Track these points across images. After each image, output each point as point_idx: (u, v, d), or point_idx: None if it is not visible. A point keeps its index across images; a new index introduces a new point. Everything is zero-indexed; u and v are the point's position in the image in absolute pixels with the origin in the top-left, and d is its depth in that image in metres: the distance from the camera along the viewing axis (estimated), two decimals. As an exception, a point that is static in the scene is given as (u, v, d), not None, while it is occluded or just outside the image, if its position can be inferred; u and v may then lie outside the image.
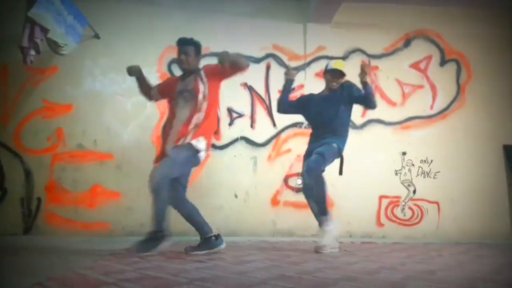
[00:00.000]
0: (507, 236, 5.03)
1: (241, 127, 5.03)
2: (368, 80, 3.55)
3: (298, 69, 3.83)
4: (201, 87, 3.25)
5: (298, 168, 4.98)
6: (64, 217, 4.68)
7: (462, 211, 5.00)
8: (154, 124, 4.92)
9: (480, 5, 5.27)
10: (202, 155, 3.23)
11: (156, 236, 3.11)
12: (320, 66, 5.13)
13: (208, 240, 3.29)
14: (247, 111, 5.06)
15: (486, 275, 2.42)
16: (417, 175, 5.09)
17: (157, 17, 5.10)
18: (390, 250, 3.47)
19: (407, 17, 5.31)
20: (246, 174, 4.95)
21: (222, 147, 4.98)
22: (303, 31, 5.21)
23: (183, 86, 3.35)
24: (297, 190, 4.94)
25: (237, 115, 5.05)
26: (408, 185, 5.05)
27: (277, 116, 4.96)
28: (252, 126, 5.05)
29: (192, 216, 3.40)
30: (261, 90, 5.10)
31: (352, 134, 4.99)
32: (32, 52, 4.01)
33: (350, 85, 3.69)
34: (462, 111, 5.22)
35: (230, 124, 5.04)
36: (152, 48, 5.03)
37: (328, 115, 3.64)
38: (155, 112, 4.94)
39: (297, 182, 4.94)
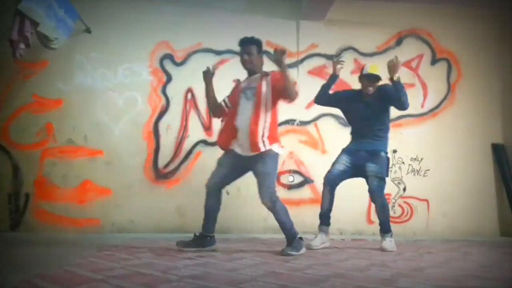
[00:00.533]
0: (495, 233, 5.09)
1: (233, 124, 5.01)
2: (396, 77, 3.51)
3: (342, 63, 3.77)
4: (264, 87, 3.24)
5: (290, 165, 5.00)
6: (53, 213, 4.64)
7: (451, 208, 5.04)
8: (145, 120, 4.89)
9: (470, 4, 5.30)
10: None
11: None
12: (312, 63, 5.15)
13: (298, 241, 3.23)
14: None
15: (474, 271, 2.44)
16: (407, 172, 5.12)
17: (149, 12, 5.05)
18: (379, 247, 3.49)
19: (399, 15, 5.32)
20: (238, 170, 4.94)
21: (214, 144, 4.94)
22: (296, 28, 5.20)
23: (247, 84, 3.36)
24: (288, 187, 4.95)
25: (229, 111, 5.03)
26: (398, 183, 5.08)
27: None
28: (243, 123, 5.03)
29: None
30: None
31: (342, 132, 5.05)
32: (22, 46, 3.94)
33: (385, 88, 3.68)
34: (452, 109, 5.26)
35: (223, 120, 5.00)
36: (144, 43, 4.99)
37: (371, 121, 3.66)
38: (146, 108, 4.91)
39: (289, 179, 4.95)
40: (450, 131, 5.21)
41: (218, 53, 5.06)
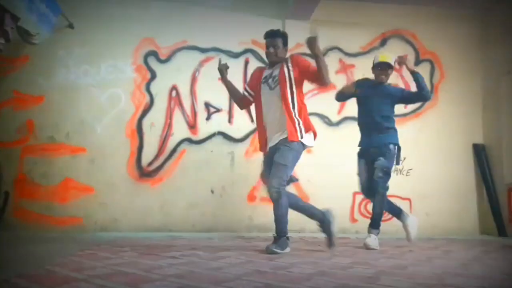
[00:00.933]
0: (475, 232, 5.19)
1: (218, 122, 5.00)
2: (411, 66, 3.69)
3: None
4: (286, 73, 3.22)
5: (274, 164, 5.00)
6: (34, 211, 4.56)
7: (433, 207, 5.12)
8: (129, 118, 4.85)
9: (452, 6, 5.39)
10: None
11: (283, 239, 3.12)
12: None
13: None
14: (224, 106, 5.03)
15: (454, 269, 2.49)
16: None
17: (134, 8, 5.00)
18: (363, 246, 3.52)
19: (384, 16, 5.38)
20: (223, 169, 4.93)
21: (199, 142, 4.94)
22: (281, 27, 5.19)
23: (268, 74, 3.34)
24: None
25: (215, 109, 5.02)
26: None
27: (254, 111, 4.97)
28: (229, 121, 5.03)
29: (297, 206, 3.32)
30: (239, 85, 5.04)
31: (328, 131, 5.08)
32: (2, 41, 3.85)
33: (401, 89, 3.92)
34: (435, 110, 5.33)
35: (207, 119, 5.01)
36: (128, 40, 4.94)
37: (382, 114, 3.72)
38: (130, 105, 4.87)
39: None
40: (433, 131, 5.28)
41: (203, 50, 5.04)
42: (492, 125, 5.22)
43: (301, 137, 3.16)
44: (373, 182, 3.65)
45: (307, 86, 5.25)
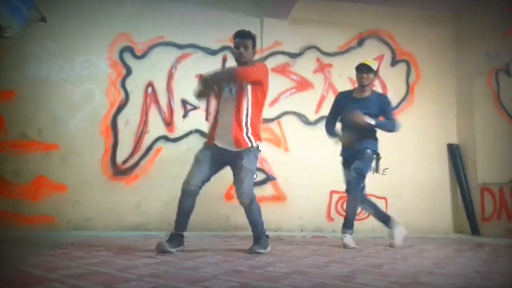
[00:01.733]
0: (449, 231, 5.31)
1: (195, 120, 4.95)
2: (362, 122, 3.64)
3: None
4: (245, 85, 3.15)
5: (252, 162, 4.98)
6: (5, 210, 4.42)
7: (408, 206, 5.19)
8: (103, 114, 4.75)
9: (428, 7, 5.49)
10: None
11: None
12: (276, 61, 5.15)
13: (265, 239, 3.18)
14: (202, 103, 4.98)
15: (428, 268, 2.53)
16: (367, 171, 5.24)
17: (109, 2, 4.90)
18: (339, 244, 3.55)
19: (361, 16, 5.43)
20: (200, 167, 4.87)
21: (175, 140, 4.89)
22: (260, 25, 5.19)
23: None
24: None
25: (192, 107, 4.97)
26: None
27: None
28: (207, 119, 4.97)
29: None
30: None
31: (305, 130, 5.10)
32: (-29, 34, 3.74)
33: (387, 101, 3.90)
34: (411, 110, 5.42)
35: (184, 116, 4.95)
36: (103, 35, 4.84)
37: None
38: (104, 102, 4.77)
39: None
40: (409, 131, 5.33)
41: (180, 47, 4.99)
42: (466, 126, 5.33)
43: (250, 144, 3.13)
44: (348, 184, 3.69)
45: (284, 84, 5.30)
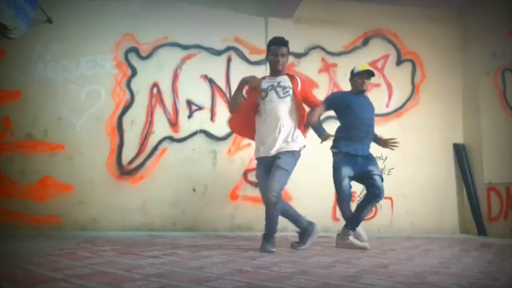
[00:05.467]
0: (455, 230, 5.27)
1: (200, 120, 4.95)
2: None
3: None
4: (299, 87, 3.34)
5: (257, 162, 4.97)
6: (11, 210, 4.44)
7: (414, 206, 5.18)
8: (109, 115, 4.77)
9: (433, 6, 5.46)
10: None
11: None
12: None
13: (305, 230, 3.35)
14: (207, 103, 4.99)
15: (434, 268, 2.51)
16: (372, 171, 5.22)
17: (114, 3, 4.92)
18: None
19: (366, 16, 5.41)
20: (205, 168, 4.88)
21: (180, 140, 4.89)
22: (264, 25, 5.19)
23: (275, 82, 3.35)
24: (256, 184, 4.92)
25: (197, 107, 4.97)
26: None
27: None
28: (212, 119, 4.99)
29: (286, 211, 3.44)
30: (221, 83, 5.04)
31: (309, 131, 5.07)
32: (-22, 35, 3.76)
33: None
34: (416, 110, 5.39)
35: (189, 116, 4.95)
36: (108, 35, 4.86)
37: (371, 123, 3.76)
38: (110, 102, 4.79)
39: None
40: (414, 131, 5.34)
41: (184, 47, 4.99)
42: (472, 125, 5.30)
43: (298, 147, 3.29)
44: (375, 191, 3.65)
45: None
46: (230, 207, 4.87)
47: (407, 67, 5.45)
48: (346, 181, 3.69)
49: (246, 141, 4.97)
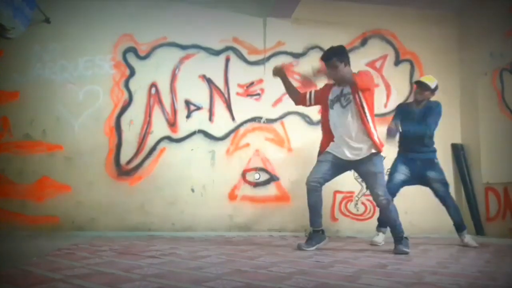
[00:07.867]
0: (453, 230, 5.26)
1: (199, 120, 4.95)
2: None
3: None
4: (356, 92, 3.28)
5: (257, 162, 4.98)
6: (9, 210, 4.44)
7: (412, 206, 5.16)
8: (107, 115, 4.76)
9: (431, 6, 5.47)
10: None
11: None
12: (279, 61, 5.14)
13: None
14: (205, 104, 4.99)
15: (432, 268, 2.52)
16: (371, 171, 5.22)
17: (112, 3, 4.92)
18: (343, 244, 3.55)
19: (364, 16, 5.41)
20: (204, 168, 4.88)
21: (179, 140, 4.89)
22: (263, 25, 5.19)
23: (339, 91, 3.38)
24: (254, 184, 4.93)
25: (195, 107, 4.97)
26: (361, 181, 5.16)
27: (236, 110, 4.95)
28: (210, 119, 4.98)
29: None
30: (220, 83, 5.04)
31: (308, 130, 5.09)
32: (-24, 35, 3.75)
33: (432, 107, 3.98)
34: (414, 110, 5.38)
35: (188, 116, 4.95)
36: (106, 36, 4.86)
37: (425, 130, 3.89)
38: (108, 102, 4.78)
39: (255, 176, 4.94)
40: (412, 131, 5.33)
41: (183, 47, 4.99)
42: (471, 126, 5.31)
43: (378, 150, 3.29)
44: (437, 197, 4.15)
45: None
46: (228, 207, 4.87)
47: (405, 67, 5.45)
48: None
49: (244, 141, 4.99)
